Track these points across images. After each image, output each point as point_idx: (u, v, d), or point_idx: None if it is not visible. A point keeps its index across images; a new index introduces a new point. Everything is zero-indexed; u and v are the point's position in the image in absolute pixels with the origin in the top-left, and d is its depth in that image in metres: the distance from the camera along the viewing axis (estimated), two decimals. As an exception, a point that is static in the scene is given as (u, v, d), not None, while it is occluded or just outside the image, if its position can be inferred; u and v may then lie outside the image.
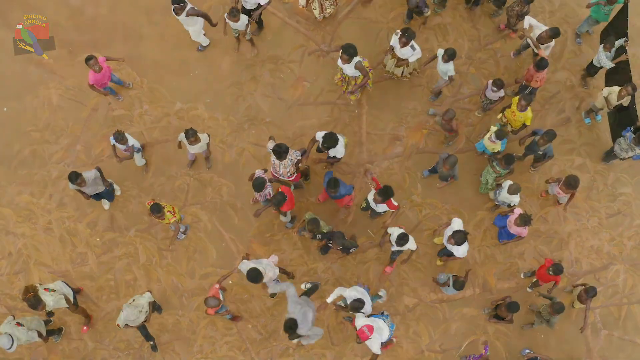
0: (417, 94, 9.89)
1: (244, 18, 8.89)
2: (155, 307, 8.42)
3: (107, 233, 9.13)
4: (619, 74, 9.32)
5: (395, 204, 7.95)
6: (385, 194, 7.74)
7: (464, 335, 8.98)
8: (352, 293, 7.58)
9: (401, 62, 9.01)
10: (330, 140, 7.86)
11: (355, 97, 9.22)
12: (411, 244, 7.74)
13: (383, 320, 7.59)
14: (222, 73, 9.85)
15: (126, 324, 7.67)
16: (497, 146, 8.64)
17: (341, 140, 8.08)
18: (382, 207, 8.07)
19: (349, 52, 8.23)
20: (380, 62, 9.69)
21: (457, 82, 9.88)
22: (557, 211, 9.46)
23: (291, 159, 7.96)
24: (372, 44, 9.99)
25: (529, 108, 8.56)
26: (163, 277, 9.02)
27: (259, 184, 7.77)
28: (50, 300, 7.56)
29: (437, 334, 8.96)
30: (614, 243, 9.47)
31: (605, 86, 9.51)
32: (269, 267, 7.63)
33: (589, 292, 8.12)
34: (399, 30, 8.53)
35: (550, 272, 8.06)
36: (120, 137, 8.26)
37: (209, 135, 8.64)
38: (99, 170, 8.27)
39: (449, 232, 7.95)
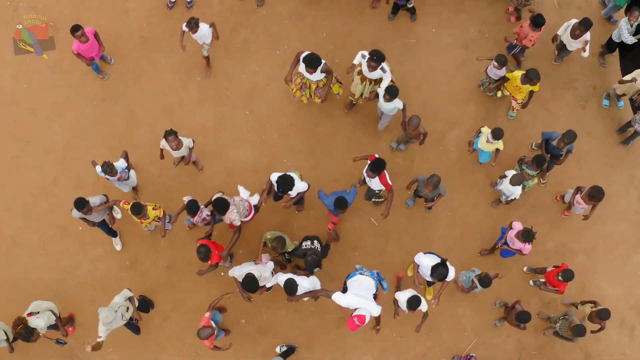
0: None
1: (204, 29, 8.17)
2: (142, 304, 7.96)
3: (101, 232, 8.61)
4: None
5: (389, 182, 7.44)
6: (376, 167, 7.20)
7: (472, 332, 8.60)
8: (283, 277, 7.04)
9: (372, 82, 8.30)
10: (286, 184, 7.18)
11: (320, 100, 8.49)
12: (423, 306, 7.02)
13: (360, 273, 7.07)
14: (214, 49, 9.21)
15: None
16: (498, 145, 8.02)
17: (296, 176, 7.45)
18: (375, 184, 7.54)
19: (314, 64, 7.55)
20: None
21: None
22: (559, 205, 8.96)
23: (230, 219, 7.34)
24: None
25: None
26: (156, 273, 8.63)
27: (192, 207, 7.22)
28: (41, 322, 7.22)
29: (442, 332, 8.57)
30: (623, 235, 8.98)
31: (620, 66, 9.09)
32: (262, 267, 7.17)
33: (601, 315, 7.55)
34: (365, 53, 7.83)
35: (560, 278, 7.56)
36: (109, 169, 7.54)
37: (193, 141, 8.10)
38: (106, 196, 7.72)
39: (425, 272, 7.21)
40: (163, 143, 7.76)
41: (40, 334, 7.23)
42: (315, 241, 7.46)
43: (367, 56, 7.67)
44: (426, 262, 7.10)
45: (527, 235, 7.44)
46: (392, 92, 7.61)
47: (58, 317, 7.59)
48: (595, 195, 7.59)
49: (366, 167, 7.39)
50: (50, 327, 7.48)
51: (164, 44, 9.22)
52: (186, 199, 7.50)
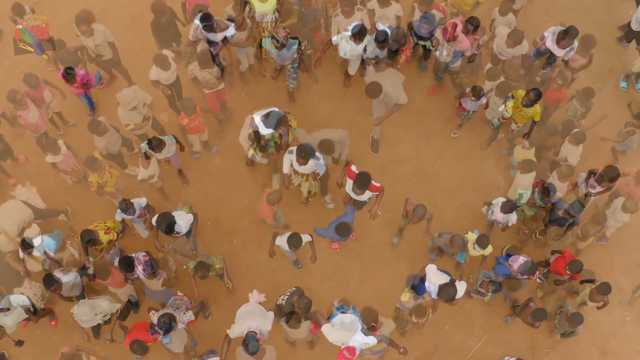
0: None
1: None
2: (127, 306, 7.73)
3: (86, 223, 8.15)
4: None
5: (378, 185, 7.08)
6: (362, 183, 6.84)
7: (481, 329, 8.27)
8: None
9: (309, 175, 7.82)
10: (163, 223, 6.81)
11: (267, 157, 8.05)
12: None
13: (341, 312, 6.73)
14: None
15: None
16: (488, 249, 7.48)
17: (182, 212, 7.20)
18: (366, 195, 7.21)
19: (278, 124, 7.19)
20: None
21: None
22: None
23: (183, 321, 6.96)
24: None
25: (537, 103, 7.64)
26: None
27: (126, 265, 6.83)
28: (8, 321, 6.89)
29: (449, 329, 8.25)
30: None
31: None
32: (261, 320, 6.69)
33: (602, 290, 7.36)
34: (292, 148, 7.33)
35: (568, 271, 7.30)
36: (127, 207, 7.17)
37: (174, 137, 7.70)
38: (77, 272, 7.20)
39: (432, 288, 6.82)
40: (144, 146, 7.29)
41: (7, 333, 6.91)
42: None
43: (294, 151, 7.18)
44: (434, 279, 6.80)
45: (528, 270, 7.18)
46: (294, 244, 6.90)
47: (32, 310, 7.24)
48: (611, 175, 7.29)
49: (351, 185, 7.02)
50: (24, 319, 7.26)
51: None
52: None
